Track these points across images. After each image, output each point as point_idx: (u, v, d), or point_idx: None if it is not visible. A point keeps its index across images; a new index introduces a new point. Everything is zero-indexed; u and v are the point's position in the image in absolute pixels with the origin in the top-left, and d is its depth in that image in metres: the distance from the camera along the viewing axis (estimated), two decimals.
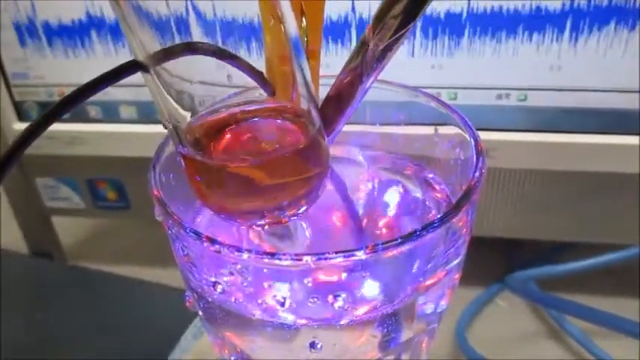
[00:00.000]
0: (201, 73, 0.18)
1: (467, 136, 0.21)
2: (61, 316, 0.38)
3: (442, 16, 0.31)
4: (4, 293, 0.38)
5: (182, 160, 0.18)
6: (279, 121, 0.19)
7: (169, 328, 0.35)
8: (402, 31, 0.18)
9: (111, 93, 0.36)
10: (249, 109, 0.19)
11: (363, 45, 0.18)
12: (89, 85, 0.17)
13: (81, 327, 0.37)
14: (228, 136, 0.19)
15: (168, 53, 0.16)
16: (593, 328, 0.33)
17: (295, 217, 0.19)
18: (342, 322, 0.18)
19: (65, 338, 0.36)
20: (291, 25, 0.17)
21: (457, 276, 0.21)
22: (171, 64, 0.17)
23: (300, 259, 0.15)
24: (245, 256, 0.16)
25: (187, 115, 0.18)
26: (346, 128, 0.20)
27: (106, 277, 0.41)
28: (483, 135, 0.21)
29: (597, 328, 0.32)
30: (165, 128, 0.18)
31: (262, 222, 0.19)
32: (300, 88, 0.17)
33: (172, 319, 0.36)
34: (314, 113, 0.18)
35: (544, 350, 0.35)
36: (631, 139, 0.31)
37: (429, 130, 0.23)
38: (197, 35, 0.17)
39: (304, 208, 0.19)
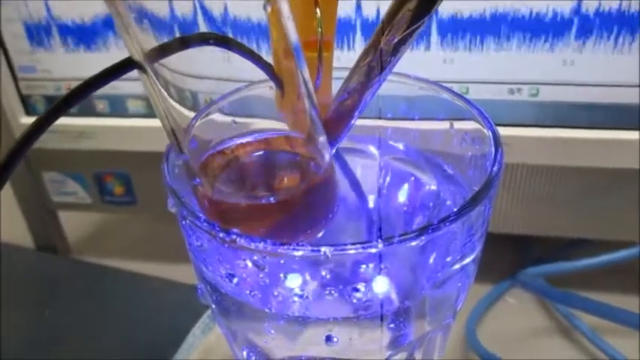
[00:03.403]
0: (204, 69, 0.17)
1: (484, 129, 0.20)
2: (66, 310, 0.38)
3: (454, 11, 0.30)
4: (9, 287, 0.38)
5: (193, 191, 0.18)
6: (290, 155, 0.19)
7: (176, 324, 0.35)
8: (416, 25, 0.17)
9: (118, 87, 0.36)
10: (259, 139, 0.19)
11: (377, 38, 0.18)
12: (81, 89, 0.17)
13: (86, 322, 0.37)
14: (238, 169, 0.19)
15: (164, 49, 0.16)
16: (603, 325, 0.33)
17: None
18: (357, 316, 0.18)
19: (70, 333, 0.36)
20: (290, 22, 0.16)
21: (473, 271, 0.20)
22: (171, 60, 0.16)
23: (318, 250, 0.15)
24: (261, 246, 0.16)
25: (190, 114, 0.18)
26: (360, 122, 0.20)
27: (111, 272, 0.40)
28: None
29: (607, 325, 0.32)
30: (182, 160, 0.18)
31: None
32: (301, 86, 0.17)
33: (179, 315, 0.36)
34: (316, 119, 0.18)
35: (554, 347, 0.35)
36: None
37: (444, 123, 0.23)
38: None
39: (317, 235, 0.19)
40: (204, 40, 0.17)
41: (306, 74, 0.17)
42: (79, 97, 0.17)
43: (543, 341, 0.35)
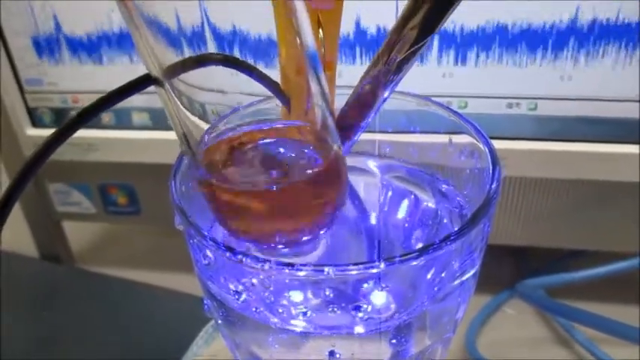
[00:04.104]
0: (214, 82, 0.18)
1: (481, 145, 0.21)
2: (69, 319, 0.38)
3: (454, 26, 0.31)
4: (14, 296, 0.39)
5: (197, 184, 0.18)
6: (298, 141, 0.19)
7: (179, 334, 0.35)
8: (420, 44, 0.18)
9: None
10: (267, 127, 0.19)
11: (380, 57, 0.18)
12: (98, 104, 0.18)
13: (89, 331, 0.37)
14: (244, 156, 0.18)
15: (181, 66, 0.16)
16: (602, 336, 0.33)
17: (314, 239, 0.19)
18: (359, 332, 0.18)
19: (73, 342, 0.36)
20: (308, 37, 0.17)
21: (472, 285, 0.21)
22: (185, 74, 0.17)
23: (321, 270, 0.16)
24: (266, 266, 0.16)
25: (200, 123, 0.18)
26: (359, 137, 0.21)
27: (115, 281, 0.41)
28: (493, 143, 0.21)
29: (606, 336, 0.32)
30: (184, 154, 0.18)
31: (278, 244, 0.19)
32: (318, 99, 0.17)
33: (182, 325, 0.36)
34: (332, 127, 0.18)
35: (552, 357, 0.35)
36: None
37: (443, 139, 0.23)
38: (210, 48, 0.17)
39: (323, 230, 0.19)
40: (218, 60, 0.18)
41: (323, 79, 0.17)
42: (96, 112, 0.18)
43: (542, 352, 0.36)
